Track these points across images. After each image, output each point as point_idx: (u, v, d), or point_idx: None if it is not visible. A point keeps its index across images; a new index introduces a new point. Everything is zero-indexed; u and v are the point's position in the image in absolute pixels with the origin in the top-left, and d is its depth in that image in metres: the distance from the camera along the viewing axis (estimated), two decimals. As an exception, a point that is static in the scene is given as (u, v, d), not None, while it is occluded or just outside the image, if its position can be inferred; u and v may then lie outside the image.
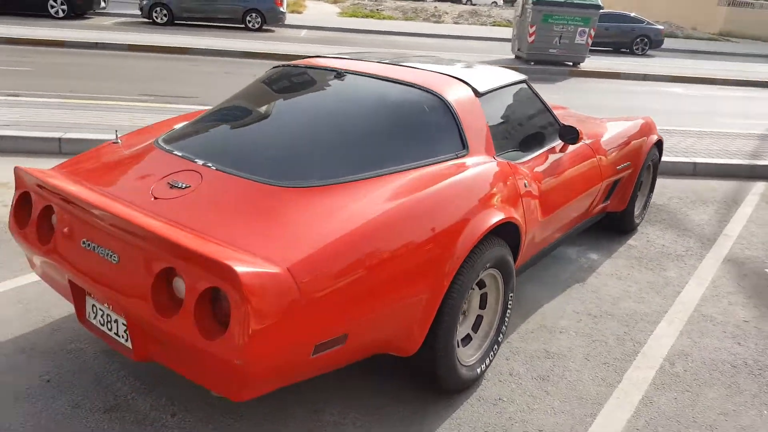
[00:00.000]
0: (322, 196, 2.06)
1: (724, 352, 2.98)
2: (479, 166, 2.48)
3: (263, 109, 2.64)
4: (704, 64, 16.61)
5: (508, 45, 16.09)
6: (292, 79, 2.88)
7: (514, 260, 2.70)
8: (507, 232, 2.58)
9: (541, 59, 13.41)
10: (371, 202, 2.05)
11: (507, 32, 20.03)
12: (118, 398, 2.38)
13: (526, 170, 2.79)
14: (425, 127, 2.49)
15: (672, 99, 10.87)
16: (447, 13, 27.90)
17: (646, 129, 4.22)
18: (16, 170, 2.32)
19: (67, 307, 2.96)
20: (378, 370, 2.63)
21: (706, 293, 3.58)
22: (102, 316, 2.10)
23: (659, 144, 4.41)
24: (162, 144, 2.52)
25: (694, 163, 6.11)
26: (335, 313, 1.83)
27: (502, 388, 2.57)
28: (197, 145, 2.44)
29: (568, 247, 4.10)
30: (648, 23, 18.30)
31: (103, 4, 17.28)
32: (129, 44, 11.85)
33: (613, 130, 3.91)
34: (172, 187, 2.16)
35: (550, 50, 13.23)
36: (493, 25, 25.84)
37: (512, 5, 30.77)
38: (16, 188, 2.37)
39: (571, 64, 13.71)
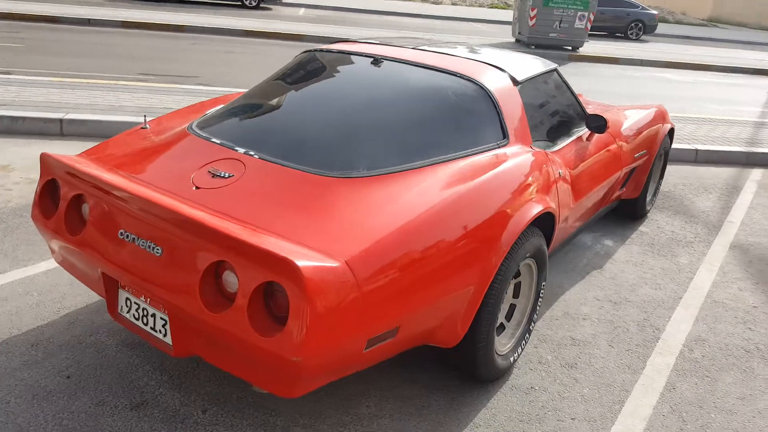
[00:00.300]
0: (371, 187, 2.04)
1: (737, 338, 3.07)
2: (520, 156, 2.50)
3: (301, 95, 2.60)
4: (696, 50, 16.72)
5: (508, 28, 16.04)
6: (327, 64, 2.83)
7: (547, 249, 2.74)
8: (542, 221, 2.61)
9: (542, 43, 13.41)
10: (421, 193, 2.05)
11: (506, 14, 19.96)
12: (145, 394, 2.28)
13: (559, 159, 2.83)
14: (468, 116, 2.49)
15: (666, 85, 10.95)
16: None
17: (660, 117, 4.28)
18: (43, 156, 2.20)
19: (82, 298, 2.86)
20: (406, 360, 2.65)
21: (717, 279, 3.67)
22: (137, 310, 2.03)
23: (671, 132, 4.48)
24: (197, 130, 2.45)
25: (696, 150, 6.20)
26: (389, 307, 1.82)
27: (533, 377, 2.62)
28: (235, 132, 2.39)
29: (584, 234, 4.17)
30: (642, 8, 18.33)
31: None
32: (123, 21, 11.62)
33: (631, 119, 3.96)
34: (214, 176, 2.10)
35: (551, 34, 13.23)
36: (491, 7, 25.70)
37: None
38: (42, 175, 2.24)
39: (570, 48, 13.72)
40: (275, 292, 1.71)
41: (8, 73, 6.85)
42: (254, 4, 16.43)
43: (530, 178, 2.44)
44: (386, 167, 2.16)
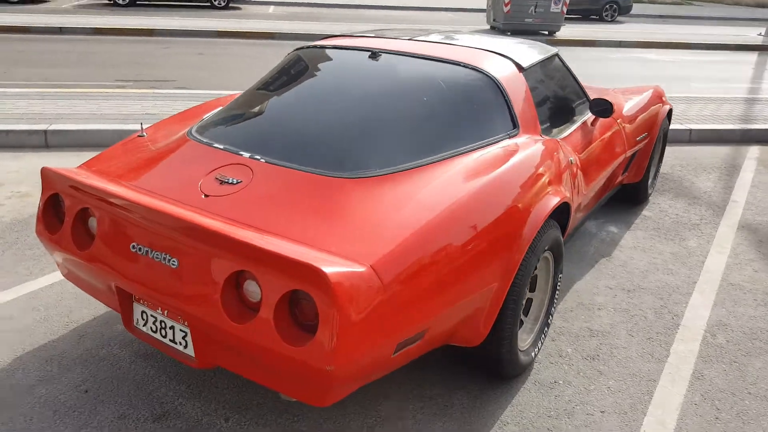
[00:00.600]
0: (385, 186, 1.95)
1: (760, 320, 2.98)
2: (533, 145, 2.40)
3: (300, 94, 2.48)
4: (674, 29, 16.75)
5: (483, 15, 15.95)
6: (323, 61, 2.71)
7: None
8: (557, 211, 2.51)
9: (517, 29, 13.34)
10: (438, 190, 1.95)
11: (480, 2, 19.88)
12: (165, 405, 2.24)
13: (569, 146, 2.72)
14: (476, 107, 2.39)
15: (648, 65, 10.92)
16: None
17: (657, 98, 4.19)
18: (44, 171, 2.14)
19: (88, 311, 2.80)
20: (423, 361, 2.56)
21: (729, 261, 3.58)
22: (154, 323, 1.96)
23: (669, 113, 4.39)
24: (197, 135, 2.35)
25: (690, 130, 6.13)
26: (416, 310, 1.74)
27: (555, 371, 2.53)
28: (238, 135, 2.28)
29: (588, 222, 4.07)
30: (617, -11, 18.37)
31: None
32: (95, 28, 11.35)
33: (630, 102, 3.87)
34: (222, 182, 2.01)
35: (526, 20, 13.17)
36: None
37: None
38: (44, 190, 2.19)
39: (546, 33, 13.66)
40: (300, 299, 1.64)
41: (-17, 86, 6.65)
42: (223, 4, 16.24)
43: (545, 168, 2.34)
44: (398, 164, 2.06)
